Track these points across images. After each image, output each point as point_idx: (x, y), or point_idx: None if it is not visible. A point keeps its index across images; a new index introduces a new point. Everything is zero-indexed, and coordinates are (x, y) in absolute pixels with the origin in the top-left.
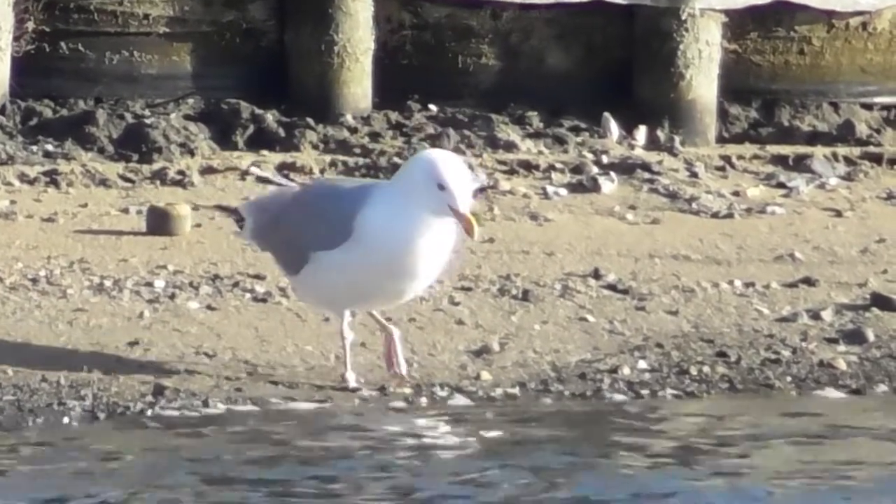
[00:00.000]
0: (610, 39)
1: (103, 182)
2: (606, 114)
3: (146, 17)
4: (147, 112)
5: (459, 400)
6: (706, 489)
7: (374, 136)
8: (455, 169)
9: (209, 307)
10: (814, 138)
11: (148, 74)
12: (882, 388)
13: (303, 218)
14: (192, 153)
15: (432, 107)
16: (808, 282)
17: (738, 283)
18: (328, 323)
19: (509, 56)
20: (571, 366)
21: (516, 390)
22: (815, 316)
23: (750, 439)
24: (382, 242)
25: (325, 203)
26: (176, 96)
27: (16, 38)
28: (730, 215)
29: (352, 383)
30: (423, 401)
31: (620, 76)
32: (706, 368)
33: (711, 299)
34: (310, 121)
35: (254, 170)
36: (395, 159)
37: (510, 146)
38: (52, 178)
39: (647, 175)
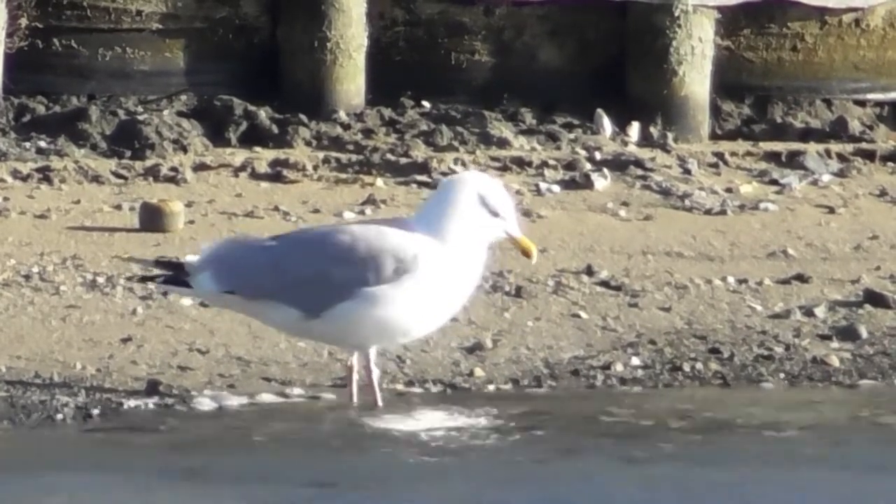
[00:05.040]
0: (603, 36)
1: (96, 178)
2: (599, 110)
3: (139, 13)
4: (140, 109)
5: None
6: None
7: (368, 133)
8: (502, 193)
9: (202, 304)
10: (807, 135)
11: (140, 71)
12: (875, 384)
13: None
14: (184, 150)
15: (425, 103)
16: (801, 278)
17: (730, 279)
18: None
19: (502, 52)
20: (564, 362)
21: (509, 387)
22: (808, 312)
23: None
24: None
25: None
26: (169, 93)
27: (9, 35)
28: (723, 212)
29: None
30: (415, 395)
31: (613, 73)
32: (699, 365)
33: (704, 296)
34: (303, 117)
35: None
36: (388, 156)
37: (503, 143)
38: (45, 175)
39: (639, 172)
